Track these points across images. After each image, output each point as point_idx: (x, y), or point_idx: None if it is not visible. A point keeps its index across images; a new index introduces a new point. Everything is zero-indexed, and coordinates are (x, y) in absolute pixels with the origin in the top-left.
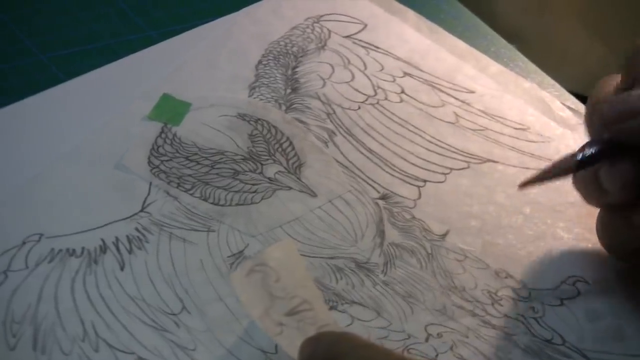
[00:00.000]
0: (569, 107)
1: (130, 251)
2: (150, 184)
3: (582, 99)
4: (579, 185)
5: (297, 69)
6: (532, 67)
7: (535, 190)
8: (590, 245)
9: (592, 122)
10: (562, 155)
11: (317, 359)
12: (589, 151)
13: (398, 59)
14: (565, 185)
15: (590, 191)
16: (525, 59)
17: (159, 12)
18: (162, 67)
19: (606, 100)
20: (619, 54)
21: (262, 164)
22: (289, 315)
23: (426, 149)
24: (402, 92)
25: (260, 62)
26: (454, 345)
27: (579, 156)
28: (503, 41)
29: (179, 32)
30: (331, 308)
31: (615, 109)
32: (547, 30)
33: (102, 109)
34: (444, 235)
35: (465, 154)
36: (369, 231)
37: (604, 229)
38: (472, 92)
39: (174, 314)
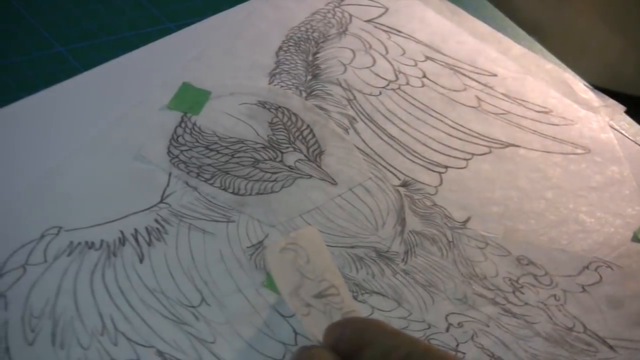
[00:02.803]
0: (591, 89)
1: (149, 243)
2: (170, 174)
3: (602, 92)
4: None
5: (317, 55)
6: (552, 59)
7: (557, 175)
8: (612, 230)
9: None
10: None
11: (343, 344)
12: None
13: (420, 42)
14: (587, 170)
15: None
16: (545, 51)
17: (177, 4)
18: (181, 56)
19: None
20: (638, 47)
21: (282, 152)
22: (318, 297)
23: (448, 134)
24: (424, 76)
25: (280, 48)
26: (475, 334)
27: None
28: (523, 33)
29: None
30: None
31: None
32: (566, 23)
33: (120, 99)
34: (465, 222)
35: (487, 139)
36: (390, 219)
37: None
38: (494, 75)
39: (193, 307)
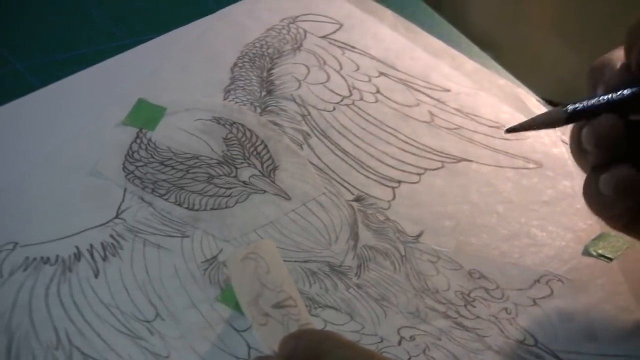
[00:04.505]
0: (544, 103)
1: (104, 258)
2: (125, 189)
3: (555, 107)
4: (570, 145)
5: (272, 71)
6: (506, 74)
7: (508, 189)
8: (563, 244)
9: (592, 80)
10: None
11: (298, 356)
12: (579, 105)
13: (373, 58)
14: (539, 184)
15: (574, 151)
16: (499, 67)
17: (135, 21)
18: (137, 72)
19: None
20: (592, 62)
21: (236, 168)
22: (276, 307)
23: (401, 149)
24: (378, 91)
25: (235, 64)
26: (427, 348)
27: (569, 108)
28: (477, 49)
29: None
30: None
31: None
32: (520, 39)
33: (76, 115)
34: (417, 236)
35: (439, 154)
36: (343, 234)
37: (585, 192)
38: (447, 90)
39: (147, 321)
